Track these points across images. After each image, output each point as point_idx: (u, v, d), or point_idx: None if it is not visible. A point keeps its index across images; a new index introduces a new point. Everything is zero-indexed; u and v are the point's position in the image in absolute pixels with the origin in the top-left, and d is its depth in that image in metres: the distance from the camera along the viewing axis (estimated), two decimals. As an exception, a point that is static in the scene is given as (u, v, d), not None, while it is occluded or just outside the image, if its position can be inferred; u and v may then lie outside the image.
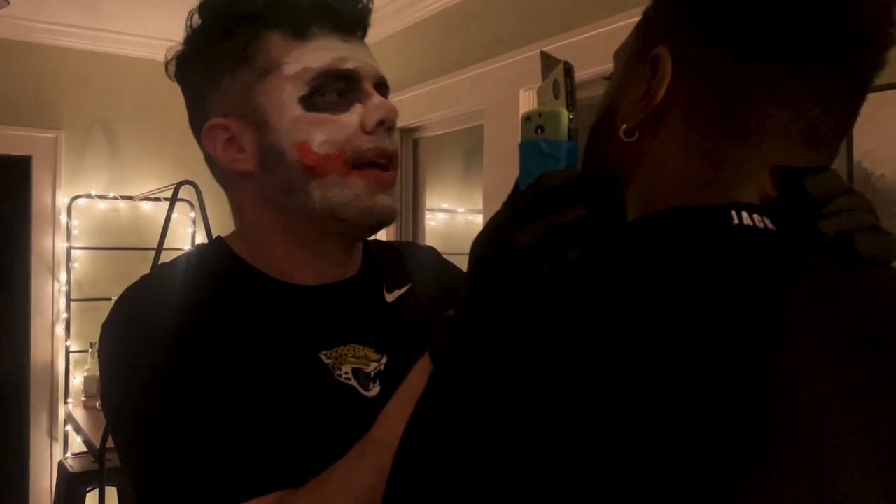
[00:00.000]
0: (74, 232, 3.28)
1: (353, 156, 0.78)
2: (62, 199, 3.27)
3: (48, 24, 3.14)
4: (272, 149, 0.78)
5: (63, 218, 3.26)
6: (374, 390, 0.80)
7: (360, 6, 0.83)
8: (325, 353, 0.80)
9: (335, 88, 0.79)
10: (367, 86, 0.81)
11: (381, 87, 0.84)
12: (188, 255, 0.88)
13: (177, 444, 0.70)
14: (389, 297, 0.90)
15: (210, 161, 0.86)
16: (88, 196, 3.32)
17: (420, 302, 0.92)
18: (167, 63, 0.86)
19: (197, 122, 0.84)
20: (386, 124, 0.80)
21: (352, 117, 0.79)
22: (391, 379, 0.77)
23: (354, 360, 0.81)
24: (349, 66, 0.79)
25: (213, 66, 0.81)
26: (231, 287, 0.81)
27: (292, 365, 0.77)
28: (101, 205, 3.36)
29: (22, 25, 3.11)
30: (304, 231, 0.82)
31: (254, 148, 0.80)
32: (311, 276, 0.84)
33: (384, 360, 0.83)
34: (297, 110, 0.78)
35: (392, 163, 0.82)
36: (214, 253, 0.86)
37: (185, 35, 0.84)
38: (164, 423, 0.70)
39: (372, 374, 0.81)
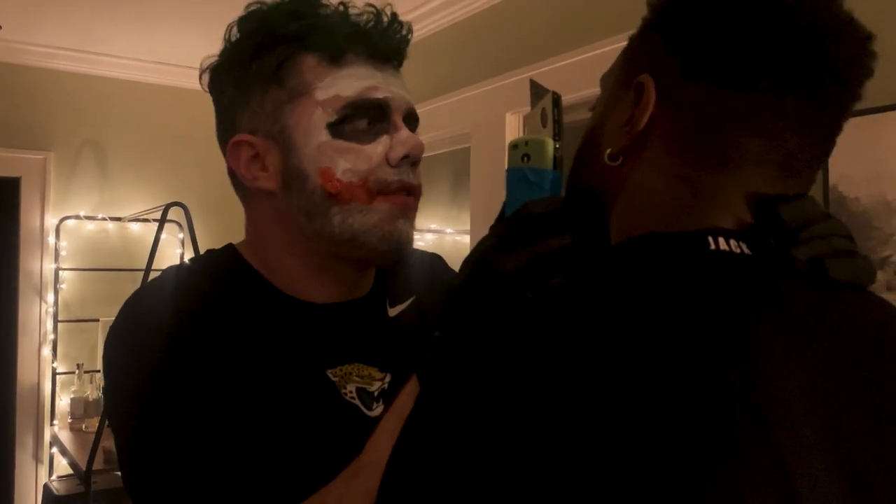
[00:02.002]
0: (62, 253, 3.27)
1: (376, 186, 0.78)
2: (51, 221, 3.26)
3: (39, 47, 3.15)
4: (296, 171, 0.78)
5: (51, 239, 3.25)
6: (378, 410, 0.80)
7: (398, 37, 0.83)
8: (330, 371, 0.79)
9: (364, 117, 0.78)
10: (397, 118, 0.80)
11: (411, 119, 0.83)
12: (198, 260, 0.87)
13: (174, 454, 0.69)
14: (392, 312, 0.89)
15: (232, 174, 0.85)
16: (77, 217, 3.31)
17: (424, 315, 0.91)
18: (201, 73, 0.85)
19: (224, 136, 0.83)
20: (410, 159, 0.79)
21: (377, 148, 0.78)
22: (393, 399, 0.77)
23: (358, 378, 0.81)
24: (379, 95, 0.79)
25: (245, 83, 0.80)
26: (239, 295, 0.80)
27: (298, 380, 0.77)
28: (90, 226, 3.36)
29: (13, 48, 3.12)
30: (321, 253, 0.81)
31: (277, 168, 0.79)
32: (321, 295, 0.83)
33: (388, 380, 0.83)
34: (324, 136, 0.77)
35: (415, 195, 0.82)
36: (226, 260, 0.85)
37: (222, 47, 0.83)
38: (163, 430, 0.70)
39: (375, 393, 0.81)
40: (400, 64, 0.85)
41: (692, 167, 0.54)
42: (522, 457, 0.42)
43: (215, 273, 0.83)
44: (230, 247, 0.87)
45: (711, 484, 0.41)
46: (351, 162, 0.77)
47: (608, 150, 0.58)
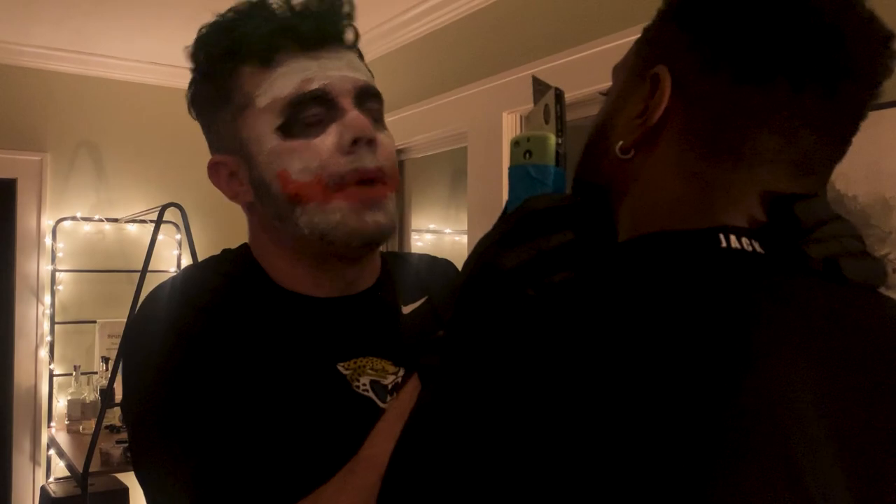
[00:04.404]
0: (59, 254, 3.26)
1: (331, 181, 0.77)
2: (47, 222, 3.25)
3: (34, 48, 3.14)
4: (259, 181, 0.80)
5: (48, 240, 3.24)
6: None
7: (333, 15, 0.81)
8: (342, 364, 0.80)
9: (308, 112, 0.77)
10: (344, 102, 0.79)
11: (365, 96, 0.81)
12: (214, 258, 0.89)
13: (187, 447, 0.70)
14: (406, 310, 0.89)
15: None
16: (74, 218, 3.31)
17: (436, 315, 0.91)
18: (189, 107, 0.87)
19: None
20: (362, 141, 0.78)
21: (326, 140, 0.77)
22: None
23: (372, 371, 0.82)
24: (315, 86, 0.77)
25: (204, 107, 0.84)
26: (248, 293, 0.82)
27: (310, 375, 0.78)
28: (87, 227, 3.35)
29: (8, 49, 3.11)
30: (307, 254, 0.83)
31: (247, 181, 0.82)
32: (322, 291, 0.85)
33: (401, 374, 0.83)
34: (274, 140, 0.78)
35: (379, 179, 0.79)
36: (237, 258, 0.87)
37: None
38: (177, 426, 0.70)
39: (389, 386, 0.82)
40: (345, 43, 0.83)
41: (706, 163, 0.53)
42: (525, 456, 0.41)
43: (227, 271, 0.85)
44: (245, 246, 0.89)
45: (722, 484, 0.40)
46: (303, 160, 0.77)
47: (619, 143, 0.57)
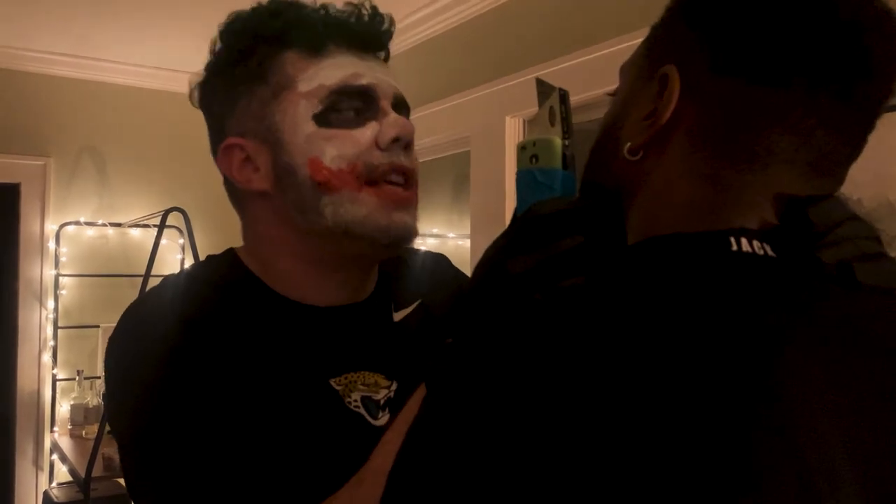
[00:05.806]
0: (62, 259, 3.27)
1: (365, 171, 0.76)
2: (50, 227, 3.26)
3: (37, 53, 3.15)
4: (285, 166, 0.77)
5: (51, 245, 3.25)
6: (383, 419, 0.78)
7: (379, 26, 0.82)
8: (334, 379, 0.78)
9: (350, 105, 0.77)
10: (384, 103, 0.79)
11: (400, 106, 0.82)
12: (198, 267, 0.86)
13: (178, 466, 0.68)
14: (397, 317, 0.87)
15: (227, 182, 0.84)
16: (77, 223, 3.31)
17: (432, 318, 0.89)
18: (191, 92, 0.85)
19: (216, 146, 0.83)
20: (401, 142, 0.78)
21: (365, 133, 0.77)
22: (401, 406, 0.73)
23: (364, 387, 0.79)
24: (363, 82, 0.78)
25: (231, 88, 0.80)
26: (240, 303, 0.79)
27: (301, 390, 0.75)
28: (90, 232, 3.35)
29: (11, 54, 3.12)
30: (321, 252, 0.80)
31: (268, 167, 0.78)
32: (323, 298, 0.82)
33: (394, 387, 0.81)
34: (311, 127, 0.76)
35: (410, 181, 0.80)
36: (225, 266, 0.84)
37: (208, 61, 0.83)
38: (166, 441, 0.69)
39: (381, 402, 0.79)
40: (386, 56, 0.85)
41: (717, 164, 0.52)
42: (531, 467, 0.40)
43: (215, 280, 0.81)
44: (230, 252, 0.86)
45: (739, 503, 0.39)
46: (338, 148, 0.76)
47: (628, 145, 0.55)
